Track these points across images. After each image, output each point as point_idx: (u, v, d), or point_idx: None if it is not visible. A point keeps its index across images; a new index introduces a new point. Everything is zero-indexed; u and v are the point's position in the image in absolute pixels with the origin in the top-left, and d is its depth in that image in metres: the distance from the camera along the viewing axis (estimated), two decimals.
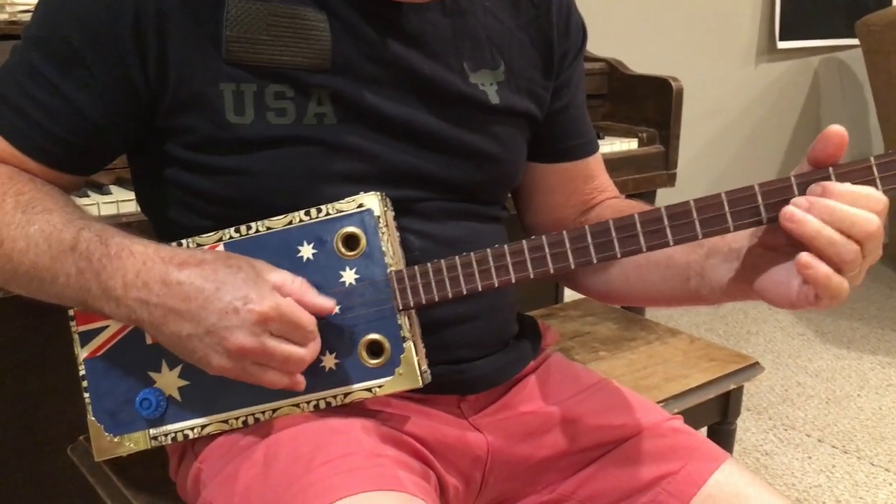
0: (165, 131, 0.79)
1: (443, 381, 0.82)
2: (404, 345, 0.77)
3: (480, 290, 0.75)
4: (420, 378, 0.77)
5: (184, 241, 0.80)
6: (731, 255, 0.77)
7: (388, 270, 0.77)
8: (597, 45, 1.97)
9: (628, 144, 1.76)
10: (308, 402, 0.78)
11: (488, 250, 0.75)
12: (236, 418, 0.80)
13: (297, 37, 0.77)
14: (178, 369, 0.80)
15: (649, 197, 1.87)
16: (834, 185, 0.65)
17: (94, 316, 0.80)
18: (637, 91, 1.82)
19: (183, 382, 0.80)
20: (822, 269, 0.64)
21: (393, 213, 0.79)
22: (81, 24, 0.75)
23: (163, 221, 0.86)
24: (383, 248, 0.77)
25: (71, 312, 0.82)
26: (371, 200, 0.77)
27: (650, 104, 1.80)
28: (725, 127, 3.11)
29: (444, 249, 0.79)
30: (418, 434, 0.83)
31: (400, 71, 0.81)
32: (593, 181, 1.00)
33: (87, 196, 1.25)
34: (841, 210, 0.64)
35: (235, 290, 0.70)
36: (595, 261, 0.72)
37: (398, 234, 0.80)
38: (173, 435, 0.81)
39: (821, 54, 3.36)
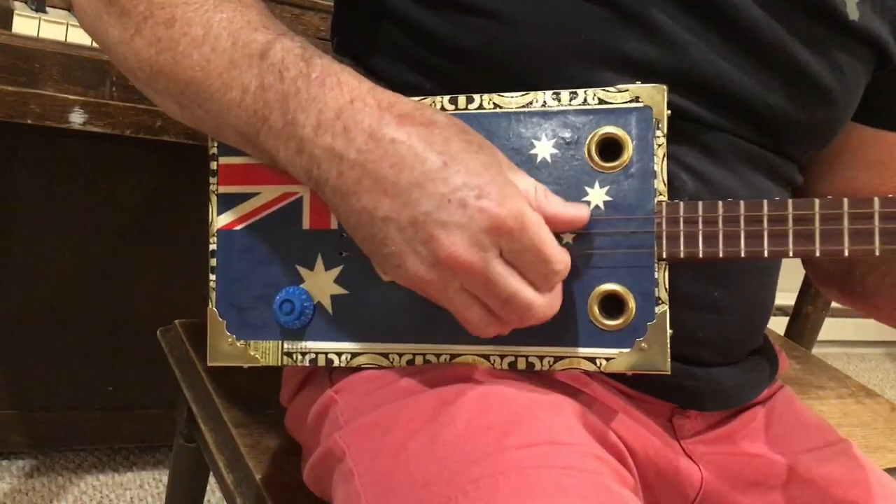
0: None
1: (665, 382, 0.60)
2: (657, 309, 0.54)
3: (791, 254, 0.52)
4: (667, 360, 0.54)
5: None
6: None
7: (656, 199, 0.54)
8: None
9: None
10: (502, 357, 0.57)
11: (817, 201, 0.51)
12: (400, 354, 0.59)
13: None
14: (336, 271, 0.59)
15: None
16: None
17: (245, 175, 0.59)
18: None
19: (339, 290, 0.59)
20: None
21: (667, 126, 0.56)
22: None
23: (363, 70, 0.64)
24: (655, 167, 0.54)
25: (213, 166, 0.61)
26: (651, 95, 0.54)
27: None
28: None
29: None
30: (627, 440, 0.61)
31: None
32: None
33: None
34: None
35: (470, 175, 0.48)
36: None
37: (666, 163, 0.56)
38: (312, 356, 0.60)
39: None
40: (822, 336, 1.65)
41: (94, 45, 0.89)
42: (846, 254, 0.49)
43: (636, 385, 0.62)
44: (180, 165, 1.23)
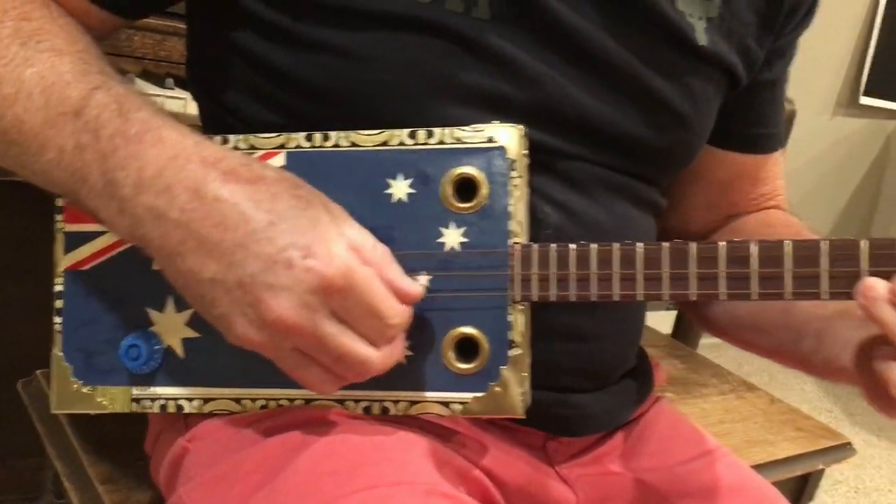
0: None
1: (537, 412, 0.59)
2: (510, 352, 0.53)
3: (643, 300, 0.52)
4: (521, 403, 0.54)
5: (231, 139, 0.57)
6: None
7: (511, 241, 0.53)
8: None
9: None
10: (357, 401, 0.55)
11: (665, 246, 0.51)
12: (253, 399, 0.57)
13: None
14: (188, 313, 0.57)
15: None
16: None
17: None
18: None
19: (191, 333, 0.57)
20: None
21: (527, 163, 0.56)
22: None
23: (217, 109, 0.62)
24: (510, 208, 0.53)
25: (59, 203, 0.58)
26: (507, 135, 0.54)
27: None
28: (788, 174, 2.90)
29: (585, 235, 0.56)
30: (493, 471, 0.60)
31: None
32: (765, 185, 0.77)
33: None
34: None
35: (296, 234, 0.47)
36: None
37: (528, 197, 0.56)
38: (163, 402, 0.58)
39: None
40: None
41: None
42: (693, 298, 0.50)
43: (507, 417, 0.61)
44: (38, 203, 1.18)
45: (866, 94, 2.91)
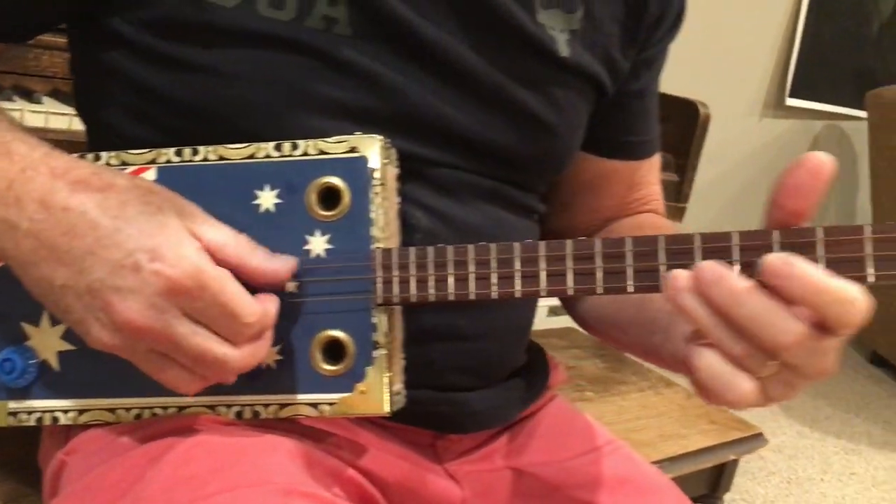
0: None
1: (421, 411, 0.61)
2: (374, 353, 0.55)
3: (497, 298, 0.54)
4: (387, 402, 0.55)
5: (103, 155, 0.58)
6: None
7: (373, 246, 0.55)
8: None
9: None
10: (229, 406, 0.56)
11: (517, 246, 0.53)
12: (127, 409, 0.57)
13: None
14: (62, 327, 0.57)
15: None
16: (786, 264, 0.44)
17: None
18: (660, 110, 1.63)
19: (66, 346, 0.58)
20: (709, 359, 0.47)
21: (397, 173, 0.58)
22: None
23: (98, 127, 0.64)
24: (371, 215, 0.55)
25: None
26: (368, 145, 0.56)
27: (671, 127, 1.61)
28: (719, 175, 2.97)
29: (458, 238, 0.57)
30: (372, 471, 0.61)
31: None
32: (640, 190, 0.80)
33: (12, 101, 1.05)
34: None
35: (143, 237, 0.48)
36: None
37: (398, 204, 0.58)
38: (38, 415, 0.58)
39: (824, 119, 3.25)
40: None
41: None
42: (543, 294, 0.52)
43: (395, 417, 0.63)
44: None
45: (792, 95, 2.99)
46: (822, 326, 0.44)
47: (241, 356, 0.50)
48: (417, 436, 0.66)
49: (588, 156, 0.76)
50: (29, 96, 1.08)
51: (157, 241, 0.48)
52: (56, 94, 1.13)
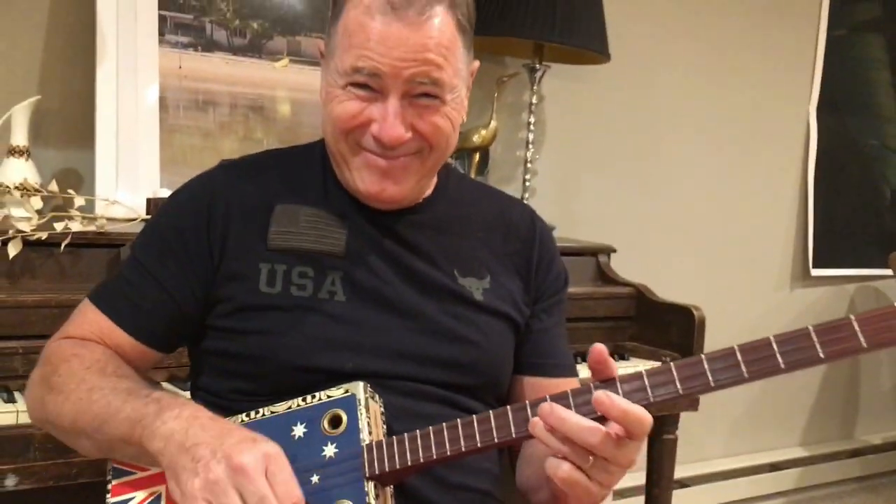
0: (210, 304, 0.99)
1: None
2: None
3: (437, 457, 0.86)
4: None
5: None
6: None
7: (363, 443, 0.88)
8: (627, 270, 2.09)
9: (651, 366, 1.81)
10: None
11: (458, 421, 0.86)
12: None
13: (321, 232, 0.99)
14: None
15: (671, 421, 1.90)
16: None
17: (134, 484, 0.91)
18: (662, 316, 1.91)
19: None
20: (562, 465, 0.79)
21: (381, 402, 0.93)
22: (175, 229, 1.01)
23: (195, 389, 1.04)
24: (360, 425, 0.89)
25: (108, 486, 0.93)
26: (356, 388, 0.91)
27: (674, 330, 1.88)
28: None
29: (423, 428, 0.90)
30: None
31: (398, 265, 1.01)
32: None
33: None
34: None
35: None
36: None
37: (382, 414, 0.93)
38: None
39: (856, 282, 3.41)
40: None
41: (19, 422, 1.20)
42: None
43: None
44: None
45: (815, 266, 3.21)
46: (626, 434, 0.76)
47: None
48: None
49: (520, 376, 1.09)
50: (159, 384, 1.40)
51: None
52: (172, 380, 1.46)
